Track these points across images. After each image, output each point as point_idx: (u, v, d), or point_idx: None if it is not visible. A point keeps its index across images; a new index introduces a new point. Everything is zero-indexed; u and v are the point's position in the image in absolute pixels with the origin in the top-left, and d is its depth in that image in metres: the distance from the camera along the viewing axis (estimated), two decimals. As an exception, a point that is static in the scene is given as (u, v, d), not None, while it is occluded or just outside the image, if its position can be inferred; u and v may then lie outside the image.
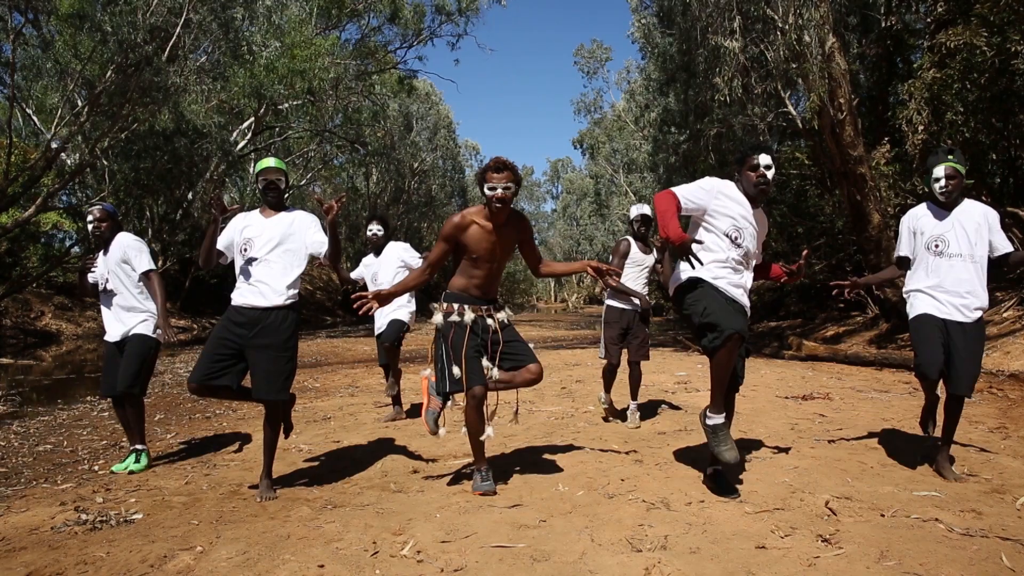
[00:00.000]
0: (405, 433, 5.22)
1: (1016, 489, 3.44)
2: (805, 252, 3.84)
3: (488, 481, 3.55)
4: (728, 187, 3.40)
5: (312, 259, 3.83)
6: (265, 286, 3.60)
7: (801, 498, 3.32)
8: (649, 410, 5.94)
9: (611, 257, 5.45)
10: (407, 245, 5.89)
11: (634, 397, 5.50)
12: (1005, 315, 10.24)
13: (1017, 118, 11.57)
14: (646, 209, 5.38)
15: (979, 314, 3.66)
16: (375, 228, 5.84)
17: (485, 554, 2.68)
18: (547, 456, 4.32)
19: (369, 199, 33.86)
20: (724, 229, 3.35)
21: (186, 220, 21.77)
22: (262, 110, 20.08)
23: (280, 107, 20.50)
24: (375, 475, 4.04)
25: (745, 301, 3.42)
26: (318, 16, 21.40)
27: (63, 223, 20.04)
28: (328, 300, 33.43)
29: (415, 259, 5.71)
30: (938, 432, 3.92)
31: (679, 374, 8.60)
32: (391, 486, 3.76)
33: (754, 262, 3.54)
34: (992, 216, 3.68)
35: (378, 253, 5.82)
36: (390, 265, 5.72)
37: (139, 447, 4.26)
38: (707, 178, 3.45)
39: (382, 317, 5.71)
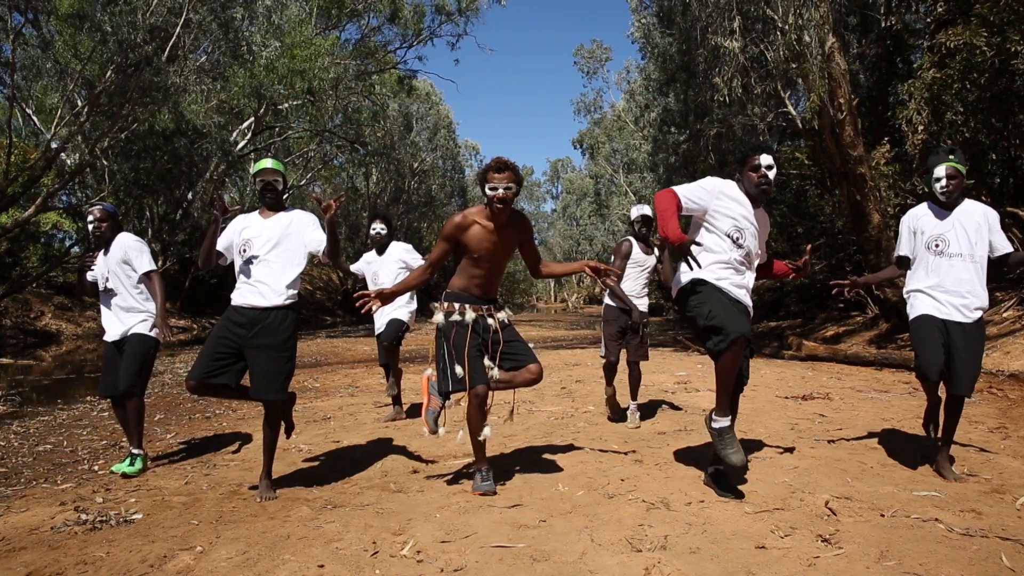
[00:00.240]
0: (405, 433, 5.22)
1: (1016, 489, 3.44)
2: (808, 248, 3.84)
3: (488, 481, 3.55)
4: (729, 187, 3.38)
5: (312, 258, 3.84)
6: (264, 286, 3.60)
7: (801, 498, 3.32)
8: (649, 410, 5.94)
9: (612, 258, 5.45)
10: (410, 247, 5.89)
11: (634, 397, 5.50)
12: (1005, 315, 10.24)
13: (1017, 118, 11.57)
14: (647, 210, 5.38)
15: (979, 314, 3.66)
16: (378, 227, 5.84)
17: (485, 554, 2.68)
18: (547, 456, 4.32)
19: (369, 199, 33.85)
20: (725, 229, 3.34)
21: (186, 220, 21.77)
22: (262, 110, 20.07)
23: (280, 107, 20.50)
24: (375, 475, 4.04)
25: (748, 301, 3.42)
26: (318, 16, 21.39)
27: (63, 223, 20.04)
28: (328, 300, 33.43)
29: (417, 260, 5.71)
30: (939, 432, 3.92)
31: (679, 374, 8.60)
32: (391, 486, 3.76)
33: (756, 262, 3.54)
34: (992, 216, 3.68)
35: (381, 252, 5.82)
36: (392, 265, 5.72)
37: (135, 451, 4.21)
38: (708, 178, 3.43)
39: (382, 316, 5.71)
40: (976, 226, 3.64)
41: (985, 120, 11.31)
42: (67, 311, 19.00)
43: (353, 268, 5.98)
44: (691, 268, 3.25)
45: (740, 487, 3.45)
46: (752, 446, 4.44)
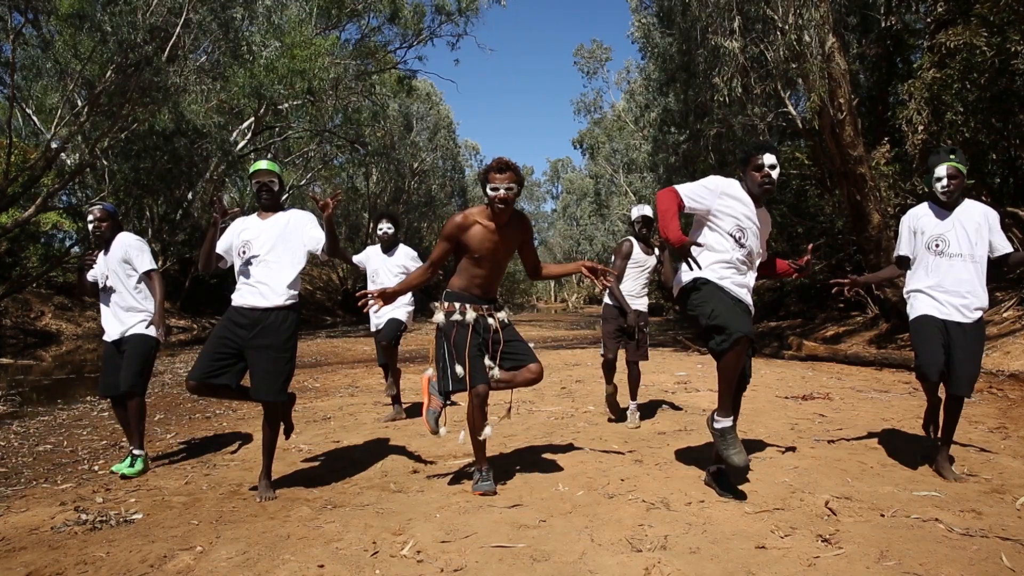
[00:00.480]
0: (405, 433, 5.22)
1: (1016, 489, 3.44)
2: (810, 247, 3.84)
3: (488, 481, 3.55)
4: (732, 186, 3.38)
5: (312, 256, 3.84)
6: (265, 286, 3.60)
7: (801, 498, 3.32)
8: (649, 410, 5.94)
9: (613, 258, 5.45)
10: (415, 255, 5.88)
11: (633, 397, 5.50)
12: (1005, 315, 10.24)
13: (1017, 118, 11.57)
14: (648, 210, 5.38)
15: (979, 314, 3.66)
16: (386, 226, 5.85)
17: (485, 554, 2.68)
18: (547, 456, 4.32)
19: (369, 199, 33.84)
20: (728, 229, 3.33)
21: (186, 220, 21.77)
22: (262, 110, 20.07)
23: (280, 107, 20.49)
24: (375, 475, 4.04)
25: (749, 301, 3.42)
26: (318, 16, 21.38)
27: (63, 223, 20.04)
28: (328, 300, 33.44)
29: None
30: (939, 433, 3.92)
31: (679, 374, 8.60)
32: (391, 486, 3.76)
33: (758, 261, 3.54)
34: (992, 216, 3.68)
35: (387, 251, 5.84)
36: (394, 268, 5.74)
37: (136, 452, 4.20)
38: (711, 177, 3.42)
39: (379, 316, 5.72)
40: (976, 226, 3.64)
41: (985, 120, 11.31)
42: (67, 311, 19.00)
43: (355, 259, 6.00)
44: (692, 269, 3.25)
45: (740, 487, 3.45)
46: (752, 446, 4.44)
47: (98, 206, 4.35)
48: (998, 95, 10.93)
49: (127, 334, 4.25)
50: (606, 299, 5.47)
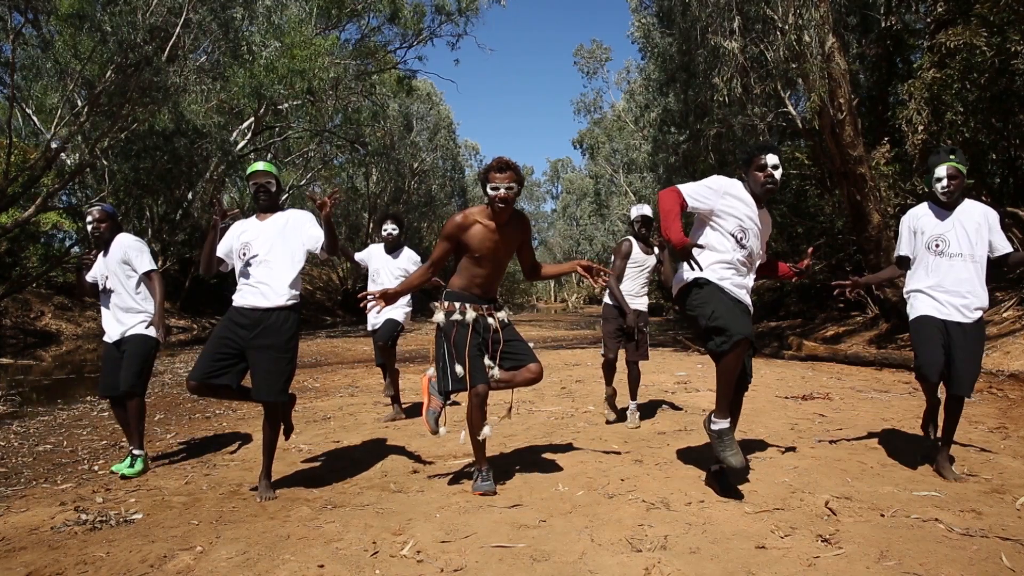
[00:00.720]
0: (405, 433, 5.22)
1: (1016, 489, 3.44)
2: (810, 250, 3.84)
3: (488, 481, 3.55)
4: (735, 187, 3.37)
5: (312, 256, 3.84)
6: (266, 287, 3.60)
7: (801, 498, 3.32)
8: (649, 410, 5.94)
9: (612, 257, 5.45)
10: (420, 260, 5.85)
11: (633, 397, 5.50)
12: (1005, 315, 10.24)
13: (1017, 118, 11.57)
14: (647, 210, 5.38)
15: (979, 314, 3.66)
16: (390, 227, 5.85)
17: (485, 554, 2.68)
18: (547, 456, 4.32)
19: (369, 199, 33.84)
20: (730, 229, 3.33)
21: (186, 220, 21.77)
22: (262, 110, 20.06)
23: (280, 107, 20.49)
24: (375, 475, 4.04)
25: (748, 301, 3.42)
26: (318, 16, 21.37)
27: (63, 223, 20.03)
28: (328, 300, 33.44)
29: None
30: (938, 433, 3.92)
31: (679, 374, 8.60)
32: (391, 486, 3.76)
33: (757, 263, 3.54)
34: (992, 216, 3.68)
35: (391, 251, 5.84)
36: (395, 271, 5.75)
37: (136, 452, 4.20)
38: (714, 177, 3.41)
39: (377, 316, 5.71)
40: (976, 226, 3.64)
41: (985, 120, 11.31)
42: (67, 311, 19.00)
43: (357, 256, 6.00)
44: (693, 270, 3.25)
45: (740, 487, 3.45)
46: (752, 446, 4.44)
47: (97, 207, 4.35)
48: (998, 95, 10.93)
49: (127, 335, 4.25)
50: (606, 299, 5.46)
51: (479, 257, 3.53)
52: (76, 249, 18.56)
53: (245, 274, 3.66)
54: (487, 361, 3.54)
